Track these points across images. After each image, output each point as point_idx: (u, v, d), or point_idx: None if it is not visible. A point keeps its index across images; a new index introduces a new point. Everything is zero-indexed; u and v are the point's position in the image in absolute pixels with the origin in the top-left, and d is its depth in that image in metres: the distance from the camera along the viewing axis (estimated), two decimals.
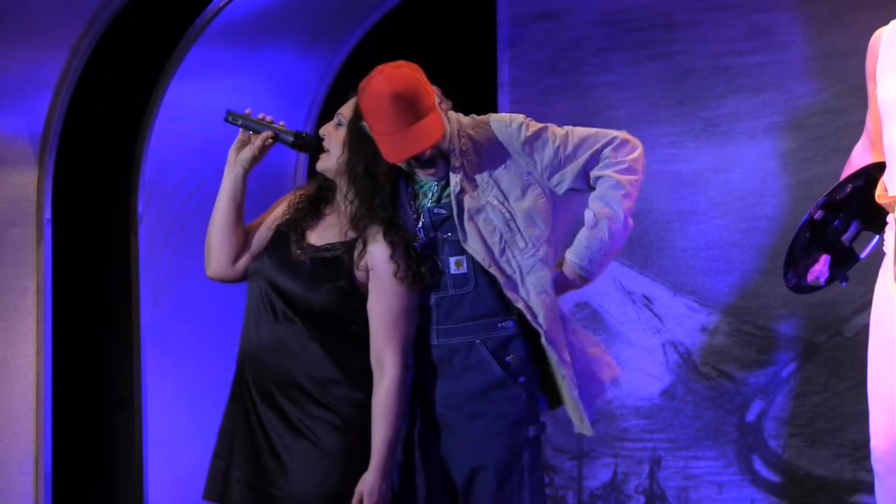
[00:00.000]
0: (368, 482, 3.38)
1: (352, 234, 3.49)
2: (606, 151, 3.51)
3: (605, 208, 3.48)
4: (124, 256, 5.18)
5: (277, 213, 3.63)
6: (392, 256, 3.42)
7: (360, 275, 3.45)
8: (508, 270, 3.46)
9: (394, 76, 3.38)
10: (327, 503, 3.40)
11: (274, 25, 5.38)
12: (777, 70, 4.92)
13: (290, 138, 3.56)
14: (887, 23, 3.49)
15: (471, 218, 3.45)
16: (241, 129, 3.58)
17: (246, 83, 5.37)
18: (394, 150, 3.39)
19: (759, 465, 4.92)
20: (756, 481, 4.92)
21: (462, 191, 3.46)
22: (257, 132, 3.56)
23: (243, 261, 3.58)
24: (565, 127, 3.55)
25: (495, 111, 5.27)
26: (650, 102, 5.10)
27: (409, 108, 3.36)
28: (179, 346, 5.24)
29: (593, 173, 3.51)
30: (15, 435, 4.90)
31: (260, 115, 3.59)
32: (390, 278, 3.42)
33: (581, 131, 3.54)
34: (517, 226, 3.46)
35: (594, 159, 3.51)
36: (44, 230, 4.97)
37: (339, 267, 3.46)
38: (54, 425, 4.98)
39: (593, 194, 3.51)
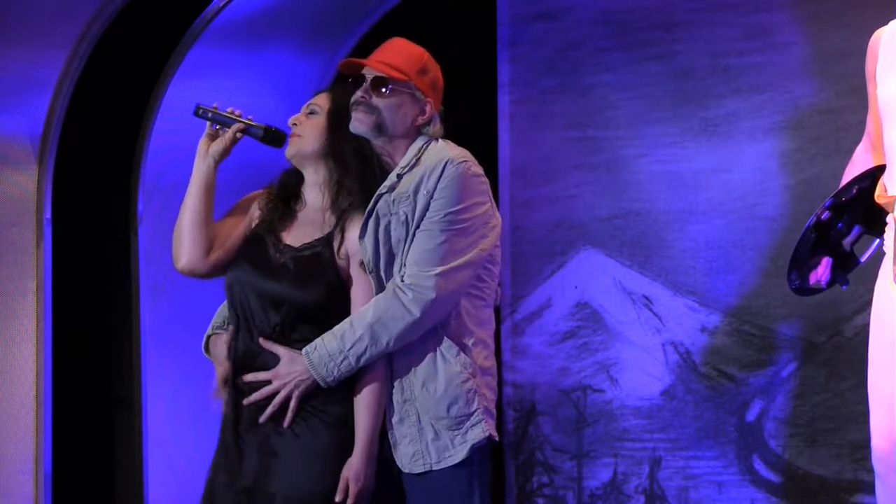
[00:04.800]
0: (354, 467, 3.41)
1: (328, 227, 3.50)
2: (441, 271, 3.40)
3: (382, 318, 3.40)
4: (124, 256, 5.18)
5: (251, 214, 3.64)
6: None
7: (342, 264, 3.48)
8: (384, 281, 3.47)
9: (413, 45, 3.58)
10: (322, 499, 3.41)
11: (274, 25, 5.38)
12: (777, 70, 4.91)
13: (261, 132, 3.60)
14: (887, 23, 3.49)
15: (377, 219, 3.46)
16: (209, 122, 3.62)
17: (246, 83, 5.37)
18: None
19: (759, 465, 4.91)
20: (756, 481, 4.91)
21: (389, 191, 3.48)
22: (227, 125, 3.59)
23: (216, 255, 3.58)
24: (464, 219, 3.45)
25: (495, 111, 5.28)
26: (650, 102, 5.10)
27: (391, 52, 3.54)
28: (179, 346, 5.24)
29: (410, 271, 3.42)
30: (15, 435, 4.90)
31: (229, 109, 3.63)
32: None
33: (461, 241, 3.43)
34: (405, 248, 3.46)
35: (427, 257, 3.41)
36: (44, 230, 4.97)
37: (322, 262, 3.48)
38: (54, 425, 4.98)
39: (389, 294, 3.42)
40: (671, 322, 5.06)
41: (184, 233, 3.58)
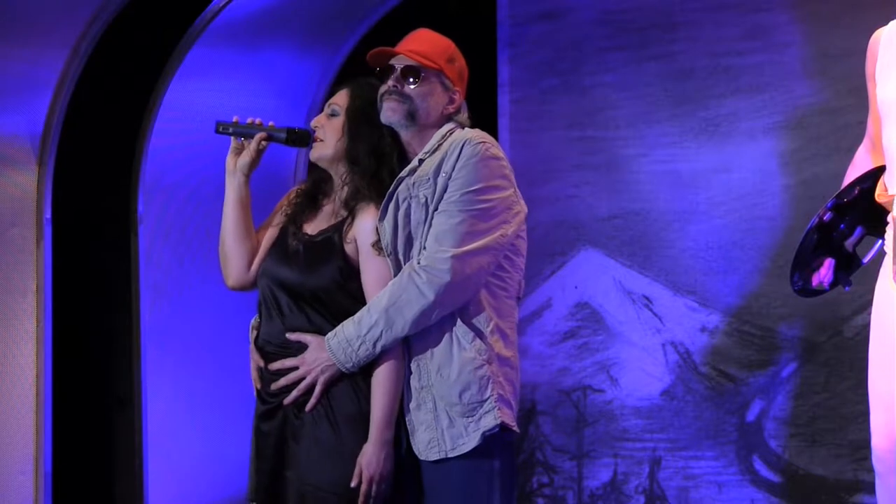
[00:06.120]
0: (367, 453, 3.42)
1: (342, 216, 3.52)
2: (450, 250, 3.39)
3: (400, 299, 3.39)
4: (124, 256, 5.19)
5: (282, 211, 3.67)
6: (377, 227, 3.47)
7: (349, 248, 3.49)
8: (403, 264, 3.46)
9: (440, 35, 3.61)
10: (339, 487, 3.42)
11: (274, 25, 5.39)
12: (777, 70, 4.92)
13: (283, 135, 3.60)
14: (887, 23, 3.49)
15: (398, 202, 3.46)
16: (232, 137, 3.61)
17: (246, 83, 5.38)
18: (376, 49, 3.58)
19: (759, 465, 4.92)
20: (756, 481, 4.92)
21: (409, 174, 3.48)
22: (250, 136, 3.59)
23: (255, 265, 3.62)
24: (484, 200, 3.43)
25: (495, 111, 5.28)
26: (650, 102, 5.10)
27: (419, 41, 3.56)
28: (179, 346, 5.25)
29: (426, 252, 3.41)
30: (15, 435, 4.90)
31: (249, 120, 3.62)
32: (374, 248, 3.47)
33: (480, 223, 3.42)
34: (423, 231, 3.45)
35: (444, 238, 3.40)
36: (44, 230, 4.97)
37: (331, 247, 3.49)
38: (54, 425, 4.98)
39: (404, 277, 3.41)
40: (671, 322, 5.06)
41: (228, 252, 3.62)
